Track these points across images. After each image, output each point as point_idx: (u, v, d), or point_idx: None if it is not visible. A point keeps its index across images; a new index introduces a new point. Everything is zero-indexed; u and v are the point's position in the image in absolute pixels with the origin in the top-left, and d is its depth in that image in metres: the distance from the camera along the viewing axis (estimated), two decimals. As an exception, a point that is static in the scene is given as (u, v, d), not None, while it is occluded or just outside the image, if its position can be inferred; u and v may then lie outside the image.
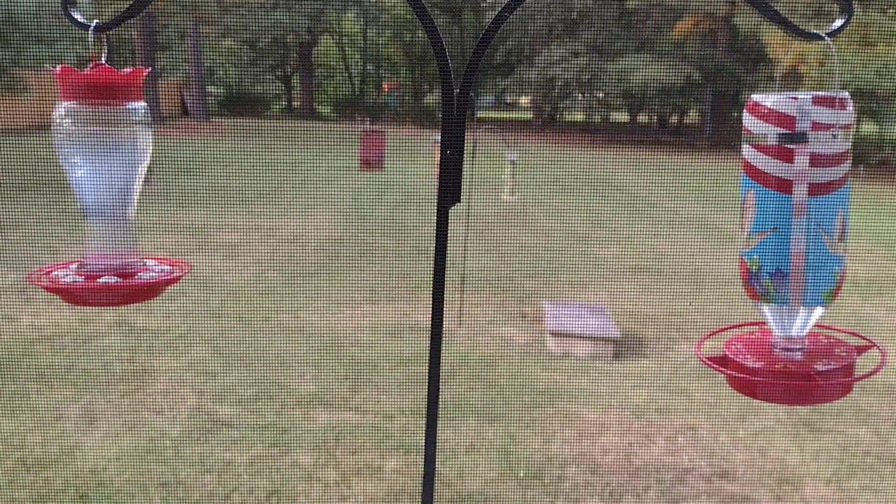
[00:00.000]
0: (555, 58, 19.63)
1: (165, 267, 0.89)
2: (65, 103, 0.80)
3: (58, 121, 0.80)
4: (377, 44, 27.24)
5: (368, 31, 26.65)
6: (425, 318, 5.05)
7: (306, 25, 22.46)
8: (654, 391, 4.07)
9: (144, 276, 0.85)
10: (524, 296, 5.69)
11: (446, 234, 0.77)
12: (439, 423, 3.59)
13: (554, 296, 5.69)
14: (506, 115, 26.52)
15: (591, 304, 5.29)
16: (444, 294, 0.83)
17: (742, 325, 0.89)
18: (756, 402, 3.92)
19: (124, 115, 0.82)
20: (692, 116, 24.73)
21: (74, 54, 10.80)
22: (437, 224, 0.75)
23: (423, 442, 3.43)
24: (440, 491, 3.00)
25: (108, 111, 0.80)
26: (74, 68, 0.78)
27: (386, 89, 27.32)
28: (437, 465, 3.25)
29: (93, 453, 3.15)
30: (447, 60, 0.73)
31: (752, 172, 0.78)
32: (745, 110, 0.78)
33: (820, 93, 0.74)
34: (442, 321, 0.89)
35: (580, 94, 22.76)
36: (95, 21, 0.79)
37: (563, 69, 19.51)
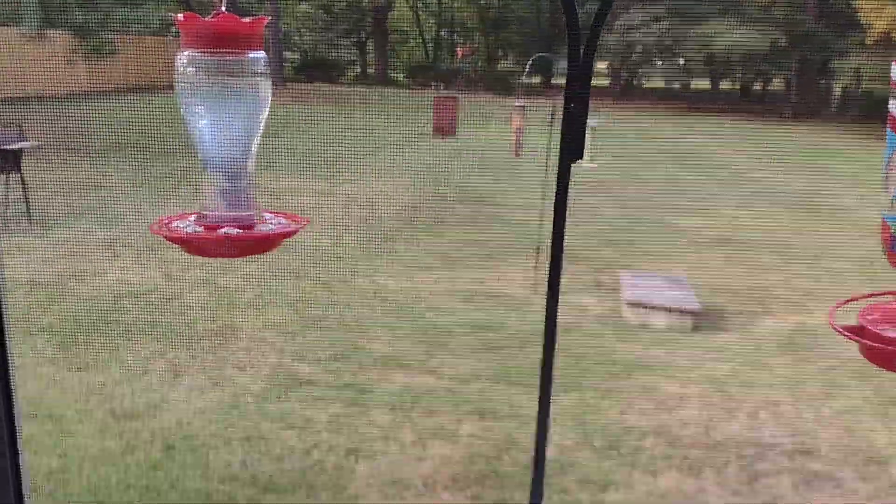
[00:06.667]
0: (635, 22, 19.10)
1: (282, 220, 0.88)
2: (187, 52, 0.79)
3: (181, 69, 0.79)
4: (451, 8, 26.99)
5: (443, -5, 26.42)
6: (499, 286, 5.04)
7: (382, -10, 22.39)
8: (736, 365, 3.98)
9: (263, 229, 0.84)
10: (601, 265, 5.60)
11: (566, 192, 0.74)
12: (515, 389, 3.54)
13: (631, 266, 5.58)
14: (581, 81, 25.96)
15: (670, 275, 5.18)
16: (562, 259, 0.81)
17: (877, 295, 0.84)
18: (842, 381, 3.79)
19: (246, 64, 0.80)
20: (777, 84, 23.82)
21: (159, 18, 11.00)
22: (557, 180, 0.72)
23: (498, 407, 3.39)
24: (516, 456, 3.01)
25: (231, 60, 0.79)
26: (198, 15, 0.77)
27: (460, 55, 27.12)
28: (513, 430, 3.26)
29: (179, 406, 3.26)
30: (576, 14, 0.70)
31: (901, 130, 0.72)
32: (893, 64, 0.73)
33: None
34: (559, 284, 0.87)
35: (660, 60, 22.14)
36: None
37: (644, 34, 18.98)
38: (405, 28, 28.31)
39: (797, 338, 4.33)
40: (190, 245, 0.84)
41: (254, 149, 0.84)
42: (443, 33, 28.03)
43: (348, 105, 15.82)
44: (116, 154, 8.67)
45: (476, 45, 26.87)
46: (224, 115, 0.80)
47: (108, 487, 2.64)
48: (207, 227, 0.83)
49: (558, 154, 0.73)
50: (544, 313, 0.91)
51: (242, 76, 0.80)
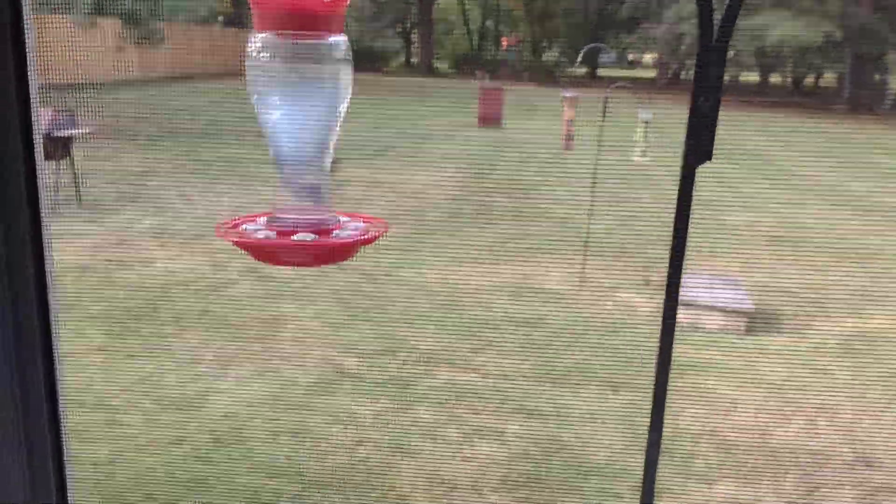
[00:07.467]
0: (684, 13, 18.76)
1: (360, 223, 0.79)
2: (260, 35, 0.70)
3: (253, 55, 0.70)
4: (497, -2, 26.79)
5: (489, -15, 26.25)
6: (545, 281, 4.96)
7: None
8: (791, 368, 3.85)
9: (341, 234, 0.76)
10: (650, 262, 5.48)
11: (690, 200, 0.67)
12: (561, 389, 3.45)
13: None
14: (627, 72, 25.67)
15: (723, 275, 5.05)
16: (682, 267, 0.74)
17: None
18: (903, 387, 3.65)
19: (326, 49, 0.71)
20: (828, 78, 23.20)
21: (207, 6, 11.07)
22: (680, 187, 0.65)
23: (544, 407, 3.30)
24: (564, 458, 2.94)
25: (309, 45, 0.70)
26: None
27: (504, 45, 26.92)
28: (560, 430, 3.19)
29: (226, 397, 3.25)
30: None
31: None
32: None
33: None
34: (678, 289, 0.80)
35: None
36: None
37: (693, 25, 18.61)
38: (451, 18, 28.22)
39: (855, 342, 4.18)
40: (260, 251, 0.76)
41: (332, 144, 0.75)
42: (488, 23, 27.89)
43: (393, 94, 15.79)
44: (166, 141, 8.74)
45: (521, 36, 26.67)
46: (301, 106, 0.72)
47: (155, 479, 2.63)
48: (280, 232, 0.74)
49: (682, 155, 0.65)
50: (660, 334, 0.84)
51: (322, 62, 0.71)
